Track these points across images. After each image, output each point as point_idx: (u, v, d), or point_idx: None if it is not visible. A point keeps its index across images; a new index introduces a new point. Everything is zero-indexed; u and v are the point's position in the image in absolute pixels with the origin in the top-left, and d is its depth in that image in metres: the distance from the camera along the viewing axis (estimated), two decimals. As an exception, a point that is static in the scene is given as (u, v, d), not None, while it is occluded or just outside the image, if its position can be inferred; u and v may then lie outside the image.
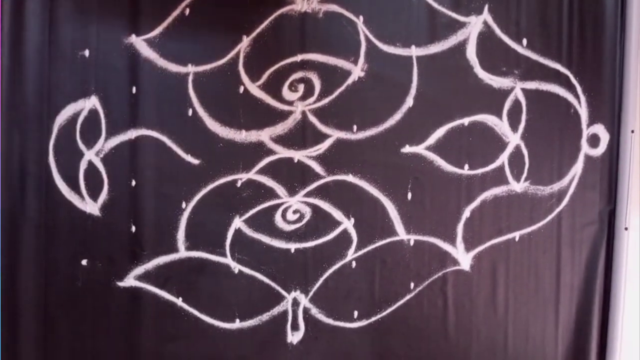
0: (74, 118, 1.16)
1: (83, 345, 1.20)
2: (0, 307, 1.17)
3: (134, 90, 1.16)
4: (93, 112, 1.16)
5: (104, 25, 1.15)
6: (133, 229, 1.18)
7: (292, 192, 1.21)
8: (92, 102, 1.15)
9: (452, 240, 1.23)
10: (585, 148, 1.25)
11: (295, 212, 1.21)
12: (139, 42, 1.16)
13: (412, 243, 1.22)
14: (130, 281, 1.19)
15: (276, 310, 1.22)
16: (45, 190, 1.17)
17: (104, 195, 1.18)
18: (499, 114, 1.22)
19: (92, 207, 1.18)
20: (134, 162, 1.17)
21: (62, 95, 1.15)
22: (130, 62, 1.16)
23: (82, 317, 1.19)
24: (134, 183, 1.17)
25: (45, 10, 1.13)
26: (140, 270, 1.19)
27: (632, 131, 1.25)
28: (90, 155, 1.16)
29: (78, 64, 1.14)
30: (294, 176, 1.21)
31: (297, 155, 1.21)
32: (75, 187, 1.17)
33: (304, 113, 1.20)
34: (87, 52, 1.15)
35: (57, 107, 1.15)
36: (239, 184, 1.20)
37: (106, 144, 1.16)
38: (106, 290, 1.18)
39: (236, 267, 1.21)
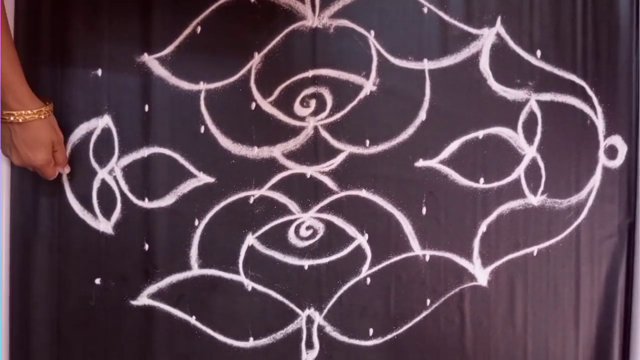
0: (87, 137, 1.16)
1: (97, 365, 1.20)
2: (12, 327, 1.17)
3: (146, 108, 1.17)
4: (106, 131, 1.16)
5: (116, 44, 1.16)
6: (146, 247, 1.18)
7: (305, 208, 1.20)
8: (105, 121, 1.16)
9: (468, 256, 1.21)
10: (603, 160, 1.23)
11: (308, 228, 1.20)
12: (151, 61, 1.16)
13: (427, 259, 1.20)
14: (143, 300, 1.19)
15: (290, 329, 1.21)
16: (58, 209, 1.17)
17: (117, 214, 1.18)
18: (514, 127, 1.20)
19: (105, 226, 1.18)
20: (147, 180, 1.17)
21: (75, 114, 1.15)
22: (143, 81, 1.16)
23: (95, 337, 1.19)
24: (147, 201, 1.17)
25: (58, 31, 1.14)
26: (153, 288, 1.19)
27: (651, 141, 1.23)
28: (104, 174, 1.17)
29: (91, 84, 1.15)
30: (306, 192, 1.20)
31: (310, 170, 1.20)
32: (88, 206, 1.17)
33: (316, 128, 1.19)
34: (99, 72, 1.16)
35: (70, 126, 1.15)
36: (251, 201, 1.19)
37: (119, 162, 1.17)
38: (120, 309, 1.18)
39: (249, 284, 1.20)
